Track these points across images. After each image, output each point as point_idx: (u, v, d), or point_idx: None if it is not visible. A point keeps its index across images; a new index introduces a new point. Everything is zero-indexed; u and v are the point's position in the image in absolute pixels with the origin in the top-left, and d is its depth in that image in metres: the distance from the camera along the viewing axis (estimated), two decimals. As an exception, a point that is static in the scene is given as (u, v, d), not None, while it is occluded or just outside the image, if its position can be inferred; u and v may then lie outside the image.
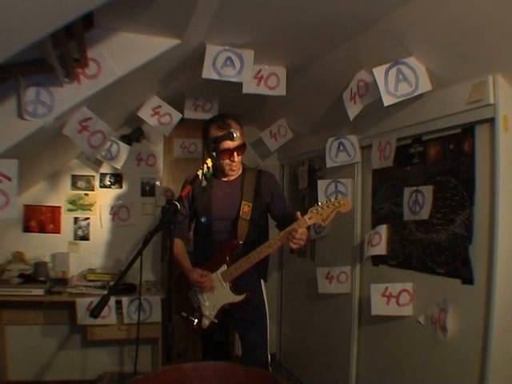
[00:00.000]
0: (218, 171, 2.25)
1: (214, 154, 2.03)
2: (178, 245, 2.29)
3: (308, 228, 2.06)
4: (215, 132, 2.14)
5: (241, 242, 2.20)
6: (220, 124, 2.15)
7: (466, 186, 1.86)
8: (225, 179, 2.28)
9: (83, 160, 3.41)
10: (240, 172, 2.31)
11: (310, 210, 2.04)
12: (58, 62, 1.66)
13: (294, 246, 2.04)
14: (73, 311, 2.94)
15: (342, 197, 2.09)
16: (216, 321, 2.20)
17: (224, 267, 2.19)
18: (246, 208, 2.22)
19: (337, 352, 2.84)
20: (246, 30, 2.02)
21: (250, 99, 2.59)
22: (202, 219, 2.27)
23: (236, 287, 2.19)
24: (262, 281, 2.31)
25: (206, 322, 2.20)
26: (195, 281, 2.19)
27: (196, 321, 2.21)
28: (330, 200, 2.05)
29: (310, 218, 2.03)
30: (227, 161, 2.17)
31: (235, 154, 2.15)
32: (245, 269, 2.14)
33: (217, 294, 2.19)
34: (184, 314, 2.27)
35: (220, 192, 2.27)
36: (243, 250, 2.17)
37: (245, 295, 2.18)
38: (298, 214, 2.03)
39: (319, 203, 2.06)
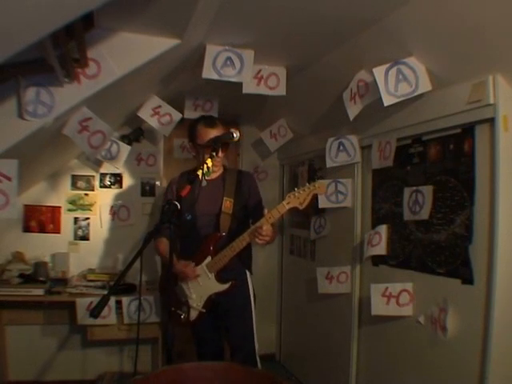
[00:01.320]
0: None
1: (214, 153, 2.04)
2: (165, 243, 2.35)
3: (274, 225, 2.20)
4: (202, 127, 2.32)
5: (224, 234, 2.31)
6: (206, 121, 2.35)
7: (466, 185, 1.86)
8: (207, 178, 2.36)
9: (83, 160, 3.40)
10: (221, 171, 2.46)
11: (288, 195, 2.17)
12: (58, 62, 1.66)
13: (260, 242, 2.16)
14: (73, 311, 2.93)
15: (318, 181, 2.21)
16: (204, 310, 2.29)
17: (209, 258, 2.29)
18: (227, 203, 2.36)
19: (337, 352, 2.84)
20: (246, 30, 2.02)
21: (250, 99, 2.59)
22: (188, 217, 2.37)
23: (221, 277, 2.28)
24: (247, 272, 2.40)
25: (193, 314, 2.29)
26: (179, 271, 2.28)
27: (183, 315, 2.30)
28: (305, 185, 2.17)
29: (288, 203, 2.15)
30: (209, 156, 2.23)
31: (219, 150, 2.21)
32: (229, 258, 2.23)
33: (203, 285, 2.28)
34: (172, 309, 2.33)
35: (203, 190, 2.32)
36: (226, 242, 2.27)
37: (230, 283, 2.27)
38: (266, 210, 2.16)
39: (295, 189, 2.17)
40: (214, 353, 2.42)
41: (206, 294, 2.30)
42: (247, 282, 2.38)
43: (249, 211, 2.44)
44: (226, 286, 2.28)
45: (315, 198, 2.22)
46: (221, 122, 2.39)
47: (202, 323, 2.35)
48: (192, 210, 2.36)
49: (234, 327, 2.36)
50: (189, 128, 2.45)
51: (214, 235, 2.32)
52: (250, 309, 2.35)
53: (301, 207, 2.15)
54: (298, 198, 2.14)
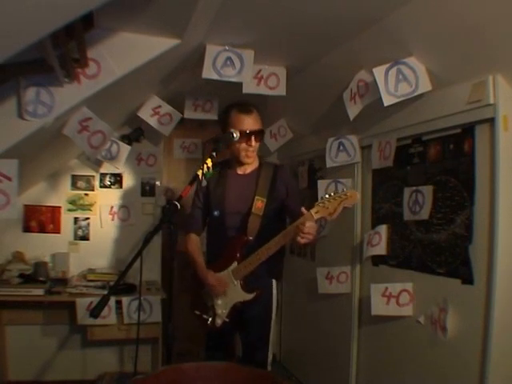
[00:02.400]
0: (234, 162, 2.23)
1: (215, 154, 2.02)
2: (193, 240, 2.26)
3: (316, 222, 1.96)
4: (236, 114, 2.13)
5: (250, 238, 2.13)
6: (241, 107, 2.15)
7: (466, 185, 1.86)
8: (240, 172, 2.24)
9: (83, 160, 3.41)
10: (256, 166, 2.25)
11: (316, 203, 1.93)
12: (58, 62, 1.66)
13: (302, 241, 1.92)
14: (73, 311, 2.93)
15: (349, 189, 1.96)
16: (227, 320, 2.16)
17: (235, 264, 2.13)
18: (259, 203, 2.15)
19: (337, 352, 2.84)
20: (246, 29, 2.02)
21: (250, 99, 2.59)
22: (215, 212, 2.21)
23: (247, 285, 2.14)
24: (273, 281, 2.23)
25: (218, 321, 2.16)
26: (209, 284, 2.14)
27: (210, 319, 2.18)
28: (336, 192, 1.93)
29: (316, 212, 1.92)
30: (244, 145, 2.12)
31: (253, 138, 2.11)
32: (254, 266, 2.07)
33: (229, 293, 2.15)
34: (197, 313, 2.23)
35: (234, 185, 2.22)
36: (254, 247, 2.09)
37: (255, 293, 2.13)
38: (303, 209, 1.94)
39: (326, 195, 1.94)
40: (225, 343, 2.31)
41: (231, 301, 2.15)
42: (271, 292, 2.22)
43: (288, 213, 2.23)
44: (251, 296, 2.13)
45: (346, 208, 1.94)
46: (256, 109, 2.19)
47: (219, 331, 2.22)
48: (220, 207, 2.20)
49: (250, 336, 2.23)
50: (220, 115, 2.25)
51: (241, 239, 2.14)
52: (269, 319, 2.20)
53: (330, 218, 1.93)
54: (327, 208, 1.91)
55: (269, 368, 2.20)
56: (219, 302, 2.17)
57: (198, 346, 2.44)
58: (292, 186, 2.29)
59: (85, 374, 3.33)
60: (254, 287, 2.14)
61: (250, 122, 2.12)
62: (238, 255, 2.13)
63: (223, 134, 2.10)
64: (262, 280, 2.17)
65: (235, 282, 2.14)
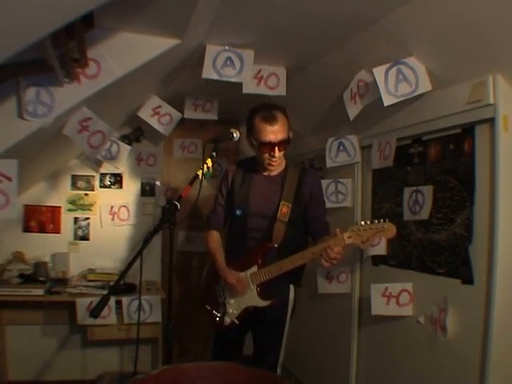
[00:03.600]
0: (259, 164, 2.18)
1: (215, 154, 2.01)
2: (214, 237, 2.24)
3: (344, 247, 1.94)
4: (259, 122, 2.04)
5: (276, 246, 2.09)
6: (266, 116, 2.03)
7: (466, 185, 1.86)
8: (265, 173, 2.18)
9: (83, 160, 3.41)
10: (282, 167, 2.19)
11: (351, 228, 1.91)
12: (58, 62, 1.66)
13: (326, 265, 1.92)
14: (73, 311, 2.93)
15: (387, 221, 1.89)
16: (237, 322, 2.13)
17: (254, 268, 2.10)
18: (284, 209, 2.09)
19: (337, 352, 2.84)
20: (246, 30, 2.02)
21: (250, 99, 2.59)
22: (238, 212, 2.16)
23: (263, 291, 2.10)
24: (291, 285, 2.19)
25: (227, 320, 2.14)
26: (230, 283, 2.10)
27: (219, 316, 2.16)
28: (373, 222, 1.90)
29: (349, 237, 1.90)
30: (267, 155, 2.07)
31: (276, 148, 2.04)
32: (275, 274, 2.04)
33: (243, 295, 2.12)
34: (208, 308, 2.21)
35: (260, 187, 2.17)
36: (277, 254, 2.07)
37: (270, 302, 2.09)
38: (338, 230, 1.91)
39: (361, 223, 1.91)
40: (233, 343, 2.28)
41: (244, 304, 2.12)
42: (288, 296, 2.18)
43: (309, 218, 2.17)
44: (266, 303, 2.08)
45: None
46: (284, 113, 2.07)
47: (228, 332, 2.20)
48: (243, 207, 2.15)
49: (263, 338, 2.20)
50: (247, 119, 2.16)
51: (265, 246, 2.09)
52: (283, 323, 2.17)
53: (362, 246, 1.91)
54: (360, 236, 1.88)
55: (278, 371, 2.18)
56: (232, 301, 2.15)
57: (201, 346, 2.41)
58: (317, 191, 2.22)
59: (85, 374, 3.33)
60: (270, 294, 2.09)
61: (273, 132, 2.03)
62: (259, 261, 2.10)
63: (223, 134, 2.07)
64: (279, 284, 2.11)
65: (252, 287, 2.10)
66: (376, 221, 1.90)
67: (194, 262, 3.72)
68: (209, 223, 2.28)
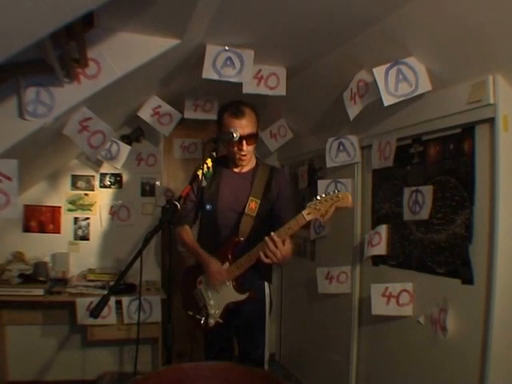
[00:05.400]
0: (230, 161, 2.21)
1: (215, 154, 2.02)
2: (189, 232, 2.25)
3: (308, 227, 1.96)
4: (227, 117, 2.08)
5: (242, 239, 2.12)
6: (234, 111, 2.08)
7: (466, 186, 1.86)
8: (236, 170, 2.22)
9: (83, 160, 3.41)
10: (253, 165, 2.23)
11: (308, 204, 1.91)
12: (58, 62, 1.66)
13: (266, 261, 1.93)
14: (73, 311, 2.94)
15: (342, 191, 1.91)
16: (221, 321, 2.15)
17: (226, 265, 2.13)
18: (252, 204, 2.14)
19: (337, 352, 2.84)
20: (246, 30, 2.02)
21: (250, 99, 2.59)
22: (208, 206, 2.19)
23: (239, 286, 2.15)
24: (265, 282, 2.24)
25: (211, 322, 2.16)
26: (211, 272, 2.11)
27: (203, 319, 2.17)
28: (328, 194, 1.90)
29: (308, 214, 1.90)
30: (235, 149, 2.10)
31: (244, 142, 2.07)
32: (246, 267, 2.08)
33: (221, 293, 2.16)
34: (190, 313, 2.23)
35: (230, 183, 2.20)
36: (246, 247, 2.08)
37: (247, 294, 2.13)
38: (272, 234, 1.90)
39: (317, 197, 1.91)
40: (222, 341, 2.29)
41: (223, 302, 2.15)
42: (264, 292, 2.22)
43: (272, 217, 2.18)
44: (244, 296, 2.12)
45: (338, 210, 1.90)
46: (252, 109, 2.13)
47: (216, 331, 2.21)
48: (213, 202, 2.19)
49: (246, 336, 2.23)
50: (217, 116, 2.22)
51: (233, 240, 2.13)
52: (263, 319, 2.20)
53: (323, 219, 1.91)
54: (318, 210, 1.88)
55: (265, 367, 2.21)
56: (211, 302, 2.17)
57: (195, 346, 2.42)
58: (284, 191, 2.23)
59: (85, 374, 3.33)
60: (246, 288, 2.14)
61: (241, 126, 2.06)
62: (229, 256, 2.13)
63: (223, 134, 2.08)
64: (253, 280, 2.18)
65: (227, 283, 2.14)
66: (331, 192, 1.90)
67: (193, 262, 3.71)
68: (180, 219, 2.26)
